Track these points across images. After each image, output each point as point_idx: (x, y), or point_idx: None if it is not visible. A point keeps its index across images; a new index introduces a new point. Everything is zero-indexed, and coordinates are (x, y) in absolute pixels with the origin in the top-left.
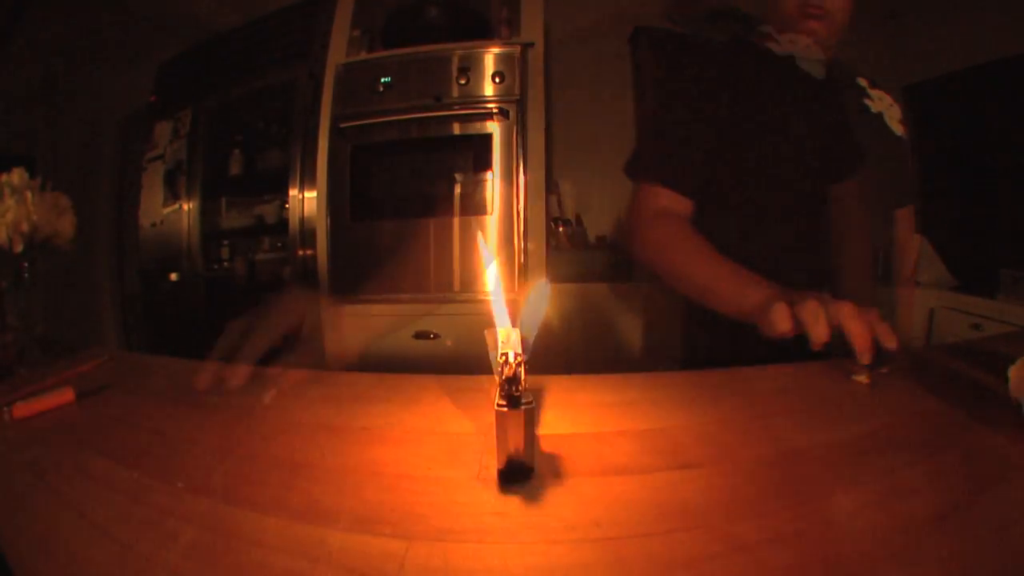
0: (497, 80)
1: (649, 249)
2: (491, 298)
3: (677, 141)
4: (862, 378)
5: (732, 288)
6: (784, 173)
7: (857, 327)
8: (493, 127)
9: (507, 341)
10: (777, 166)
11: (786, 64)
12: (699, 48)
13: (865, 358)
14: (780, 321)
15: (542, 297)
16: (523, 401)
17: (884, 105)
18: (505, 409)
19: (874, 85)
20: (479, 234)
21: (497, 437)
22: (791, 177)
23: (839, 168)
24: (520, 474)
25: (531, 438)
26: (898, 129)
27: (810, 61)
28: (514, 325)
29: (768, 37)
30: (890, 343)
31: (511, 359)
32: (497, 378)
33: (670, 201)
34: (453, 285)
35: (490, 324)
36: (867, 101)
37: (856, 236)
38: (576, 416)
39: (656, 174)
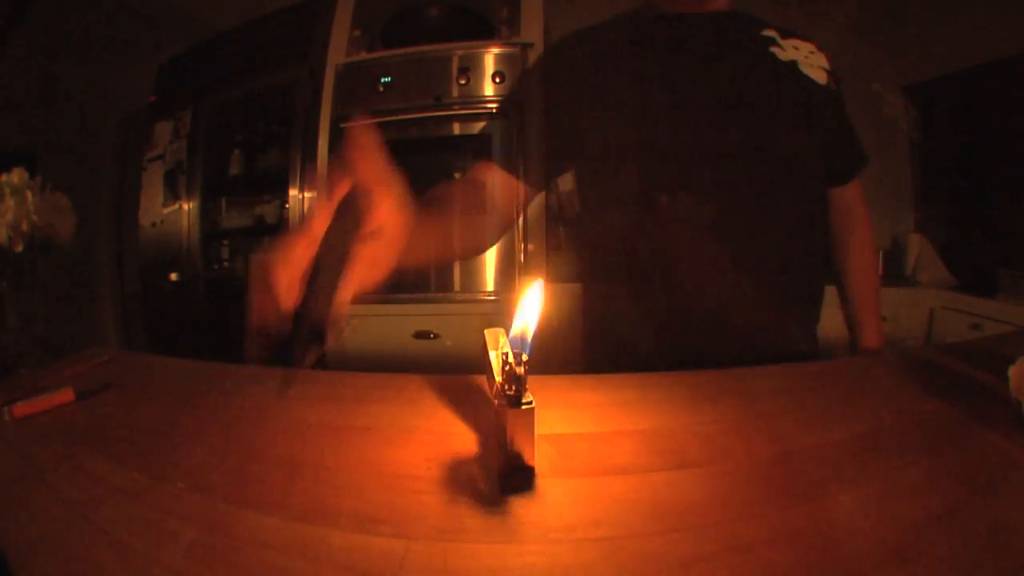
0: (497, 80)
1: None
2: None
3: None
4: None
5: None
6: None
7: None
8: (493, 127)
9: (510, 341)
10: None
11: (670, 24)
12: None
13: None
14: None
15: (537, 296)
16: (524, 401)
17: (800, 54)
18: (507, 408)
19: (787, 35)
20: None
21: (498, 437)
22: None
23: (840, 170)
24: (521, 474)
25: (531, 438)
26: (820, 77)
27: (697, 16)
28: (512, 323)
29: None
30: None
31: (512, 359)
32: (497, 378)
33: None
34: (453, 285)
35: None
36: (774, 49)
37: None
38: (576, 416)
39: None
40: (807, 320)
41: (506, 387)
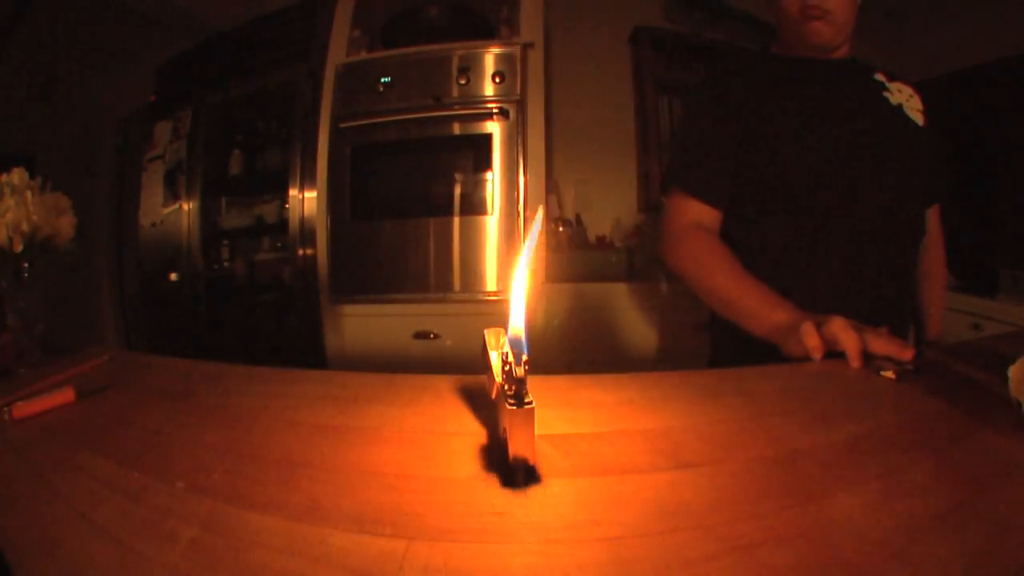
0: (497, 80)
1: (681, 263)
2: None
3: (703, 151)
4: (888, 373)
5: (757, 306)
6: (824, 181)
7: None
8: (493, 127)
9: (509, 341)
10: (814, 175)
11: (807, 67)
12: (724, 58)
13: (856, 363)
14: (808, 337)
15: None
16: (525, 400)
17: (904, 96)
18: (511, 407)
19: (893, 78)
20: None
21: (500, 437)
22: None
23: (929, 194)
24: (523, 473)
25: (532, 437)
26: (918, 119)
27: (825, 62)
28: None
29: (780, 43)
30: (905, 354)
31: (513, 359)
32: (497, 378)
33: (698, 212)
34: (453, 285)
35: (489, 324)
36: (886, 94)
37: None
38: (576, 416)
39: (683, 185)
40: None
41: (506, 387)
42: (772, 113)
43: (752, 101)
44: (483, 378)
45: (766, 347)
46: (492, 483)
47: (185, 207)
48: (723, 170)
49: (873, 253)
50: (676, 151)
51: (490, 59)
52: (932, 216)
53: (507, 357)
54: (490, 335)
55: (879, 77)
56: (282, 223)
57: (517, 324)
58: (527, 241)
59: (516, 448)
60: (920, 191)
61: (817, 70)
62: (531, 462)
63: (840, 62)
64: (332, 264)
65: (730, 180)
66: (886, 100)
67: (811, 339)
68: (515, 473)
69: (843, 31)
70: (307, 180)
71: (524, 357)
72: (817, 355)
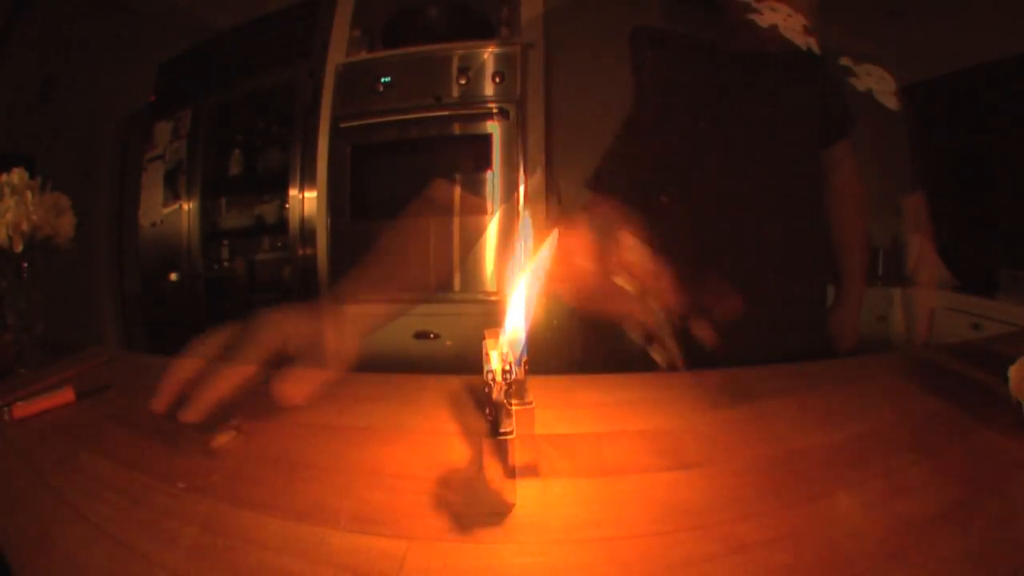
0: (497, 80)
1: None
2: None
3: (623, 153)
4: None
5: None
6: (765, 154)
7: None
8: (493, 127)
9: (506, 345)
10: (756, 149)
11: (749, 61)
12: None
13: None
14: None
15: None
16: (525, 401)
17: (872, 80)
18: (511, 408)
19: (860, 61)
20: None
21: (499, 440)
22: (774, 157)
23: (826, 133)
24: (500, 509)
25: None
26: (892, 103)
27: (791, 32)
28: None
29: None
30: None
31: (511, 364)
32: (496, 392)
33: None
34: (453, 285)
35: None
36: (852, 80)
37: (849, 210)
38: (576, 416)
39: (598, 186)
40: (818, 303)
41: (506, 388)
42: (696, 116)
43: (677, 100)
44: (483, 378)
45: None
46: (492, 483)
47: (185, 207)
48: (637, 173)
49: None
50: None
51: (490, 59)
52: (840, 152)
53: (507, 358)
54: (490, 336)
55: (844, 62)
56: (282, 223)
57: (516, 325)
58: (524, 244)
59: (517, 449)
60: (808, 133)
61: (760, 66)
62: (533, 463)
63: (794, 54)
64: (332, 264)
65: (635, 177)
66: (852, 87)
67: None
68: (521, 473)
69: (809, 7)
70: (307, 180)
71: (524, 358)
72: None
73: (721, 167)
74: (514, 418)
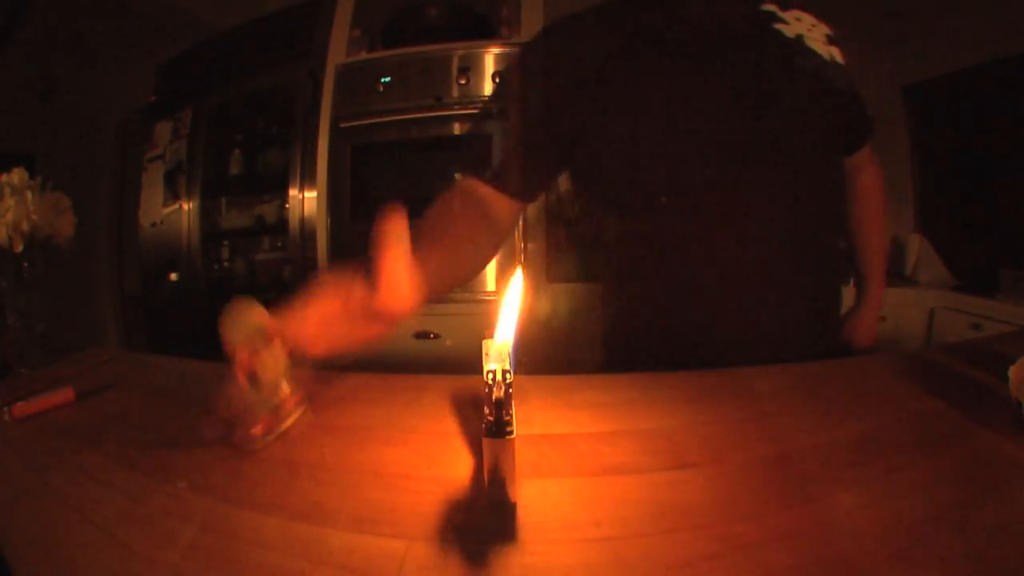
0: (497, 80)
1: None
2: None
3: (519, 152)
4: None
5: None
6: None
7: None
8: (493, 127)
9: (498, 356)
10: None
11: (668, 15)
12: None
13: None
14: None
15: (517, 292)
16: (507, 431)
17: (803, 26)
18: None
19: (786, 7)
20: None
21: (485, 467)
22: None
23: (850, 139)
24: (503, 507)
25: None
26: (825, 51)
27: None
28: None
29: None
30: None
31: (500, 377)
32: (496, 392)
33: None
34: None
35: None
36: (779, 26)
37: (872, 215)
38: (576, 416)
39: (480, 175)
40: (833, 301)
41: (494, 411)
42: (622, 86)
43: (596, 71)
44: (483, 378)
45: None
46: (492, 483)
47: (185, 207)
48: (542, 167)
49: (782, 220)
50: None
51: (490, 59)
52: (861, 157)
53: (495, 375)
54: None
55: (769, 7)
56: (282, 223)
57: (505, 338)
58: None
59: (500, 480)
60: (827, 142)
61: (684, 17)
62: (511, 499)
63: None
64: (332, 264)
65: (547, 174)
66: (778, 34)
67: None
68: (498, 506)
69: None
70: (307, 180)
71: (510, 378)
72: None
73: (729, 165)
74: (514, 417)
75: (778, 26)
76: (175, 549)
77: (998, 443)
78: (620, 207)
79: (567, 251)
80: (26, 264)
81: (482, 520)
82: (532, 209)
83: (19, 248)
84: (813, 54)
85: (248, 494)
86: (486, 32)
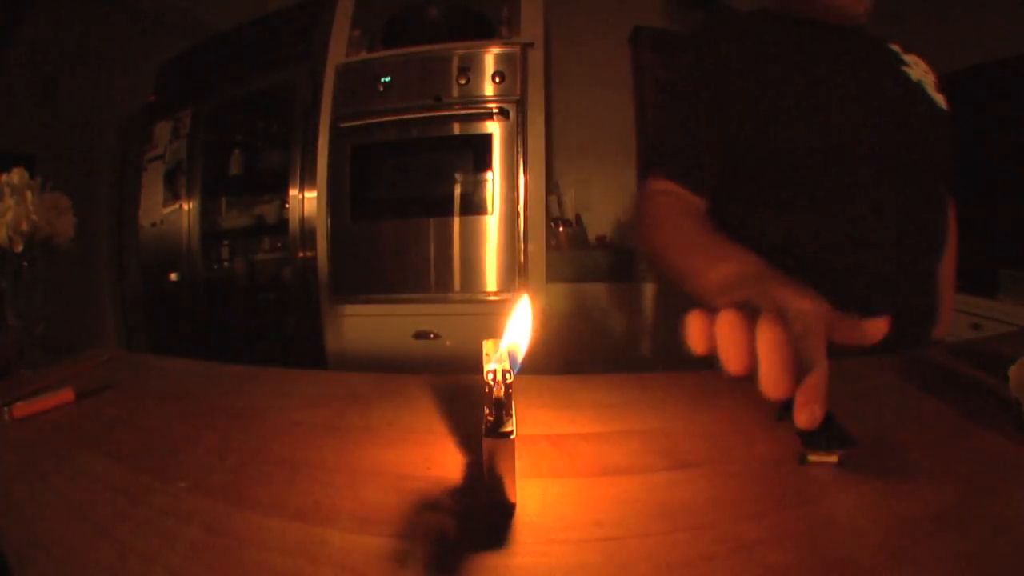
0: (497, 80)
1: (641, 232)
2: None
3: (685, 131)
4: (824, 458)
5: (698, 263)
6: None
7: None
8: (493, 127)
9: (500, 357)
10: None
11: (815, 31)
12: (714, 19)
13: (802, 419)
14: (691, 327)
15: (526, 311)
16: (506, 431)
17: (920, 72)
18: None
19: (908, 50)
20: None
21: (484, 469)
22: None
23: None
24: (503, 507)
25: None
26: (940, 100)
27: (837, 27)
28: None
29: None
30: (806, 415)
31: (500, 377)
32: (497, 392)
33: (679, 197)
34: (453, 285)
35: (490, 325)
36: (905, 69)
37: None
38: (576, 416)
39: (661, 168)
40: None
41: (493, 411)
42: (775, 83)
43: (750, 68)
44: (483, 378)
45: None
46: (492, 483)
47: (185, 207)
48: (708, 152)
49: (895, 253)
50: (657, 130)
51: (490, 59)
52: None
53: (496, 375)
54: (489, 346)
55: (893, 47)
56: (282, 223)
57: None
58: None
59: (499, 482)
60: (944, 184)
61: (829, 35)
62: (511, 499)
63: (853, 28)
64: (332, 264)
65: (716, 163)
66: (906, 76)
67: (693, 329)
68: (497, 509)
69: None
70: (307, 180)
71: (510, 378)
72: (697, 350)
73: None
74: (514, 417)
75: (904, 69)
76: (175, 549)
77: (998, 443)
78: (796, 200)
79: (567, 251)
80: (26, 264)
81: (482, 520)
82: (532, 209)
83: (19, 248)
84: (935, 104)
85: (248, 494)
86: (486, 32)
